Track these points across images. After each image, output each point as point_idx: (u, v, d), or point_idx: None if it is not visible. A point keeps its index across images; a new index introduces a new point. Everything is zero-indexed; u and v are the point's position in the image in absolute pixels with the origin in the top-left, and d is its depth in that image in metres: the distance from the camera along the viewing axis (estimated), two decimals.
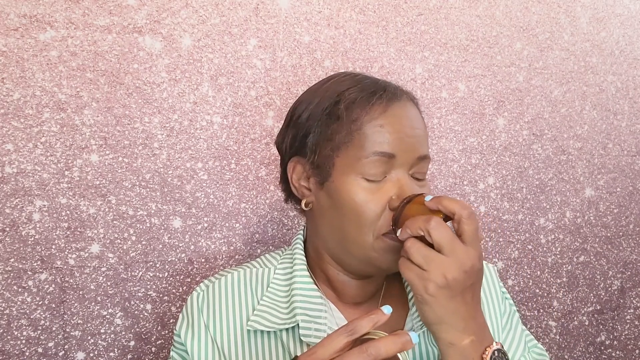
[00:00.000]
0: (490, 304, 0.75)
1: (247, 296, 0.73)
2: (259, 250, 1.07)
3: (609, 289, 1.35)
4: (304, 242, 0.78)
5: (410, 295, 0.73)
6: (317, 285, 0.73)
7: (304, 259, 0.75)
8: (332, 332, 0.52)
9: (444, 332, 0.58)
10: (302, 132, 0.71)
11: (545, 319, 1.30)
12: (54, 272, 0.94)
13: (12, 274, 0.92)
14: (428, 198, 0.61)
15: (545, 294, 1.30)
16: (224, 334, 0.70)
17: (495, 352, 0.58)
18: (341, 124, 0.67)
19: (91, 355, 0.97)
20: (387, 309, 0.54)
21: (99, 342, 0.97)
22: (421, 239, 0.59)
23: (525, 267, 1.28)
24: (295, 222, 1.09)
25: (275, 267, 0.76)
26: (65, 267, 0.95)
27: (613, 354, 1.36)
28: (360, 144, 0.66)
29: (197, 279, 1.03)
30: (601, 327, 1.35)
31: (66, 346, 0.95)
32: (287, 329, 0.69)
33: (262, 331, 0.69)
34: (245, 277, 0.75)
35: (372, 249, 0.66)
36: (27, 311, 0.93)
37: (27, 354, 0.93)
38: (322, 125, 0.68)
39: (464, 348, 0.57)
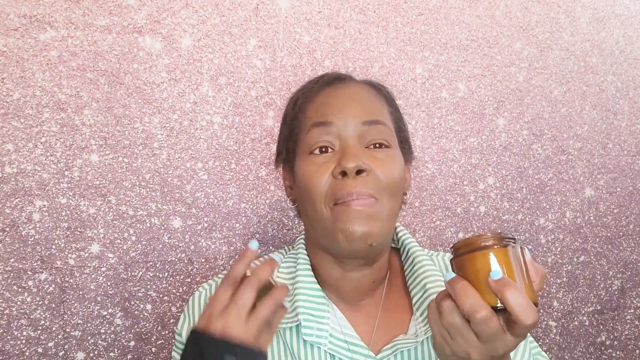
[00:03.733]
0: None
1: None
2: (259, 251, 1.06)
3: (609, 289, 1.35)
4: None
5: (414, 300, 0.72)
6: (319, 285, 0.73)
7: (307, 258, 0.74)
8: (217, 288, 0.59)
9: None
10: (279, 139, 0.78)
11: (545, 319, 1.30)
12: (54, 272, 0.94)
13: (12, 274, 0.92)
14: (495, 271, 0.53)
15: (545, 294, 1.30)
16: None
17: None
18: (295, 117, 0.74)
19: (91, 355, 0.97)
20: (252, 244, 0.61)
21: (99, 342, 0.97)
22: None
23: None
24: (295, 222, 1.09)
25: (279, 266, 0.75)
26: (65, 267, 0.95)
27: (613, 354, 1.36)
28: (304, 125, 0.71)
29: (197, 279, 1.02)
30: (601, 327, 1.35)
31: (66, 346, 0.95)
32: (290, 328, 0.69)
33: None
34: None
35: (329, 224, 0.66)
36: (27, 311, 0.93)
37: (27, 354, 0.93)
38: (285, 126, 0.76)
39: None
